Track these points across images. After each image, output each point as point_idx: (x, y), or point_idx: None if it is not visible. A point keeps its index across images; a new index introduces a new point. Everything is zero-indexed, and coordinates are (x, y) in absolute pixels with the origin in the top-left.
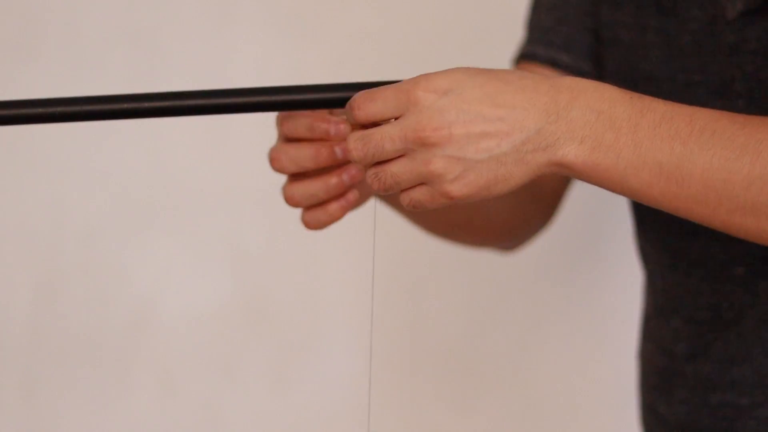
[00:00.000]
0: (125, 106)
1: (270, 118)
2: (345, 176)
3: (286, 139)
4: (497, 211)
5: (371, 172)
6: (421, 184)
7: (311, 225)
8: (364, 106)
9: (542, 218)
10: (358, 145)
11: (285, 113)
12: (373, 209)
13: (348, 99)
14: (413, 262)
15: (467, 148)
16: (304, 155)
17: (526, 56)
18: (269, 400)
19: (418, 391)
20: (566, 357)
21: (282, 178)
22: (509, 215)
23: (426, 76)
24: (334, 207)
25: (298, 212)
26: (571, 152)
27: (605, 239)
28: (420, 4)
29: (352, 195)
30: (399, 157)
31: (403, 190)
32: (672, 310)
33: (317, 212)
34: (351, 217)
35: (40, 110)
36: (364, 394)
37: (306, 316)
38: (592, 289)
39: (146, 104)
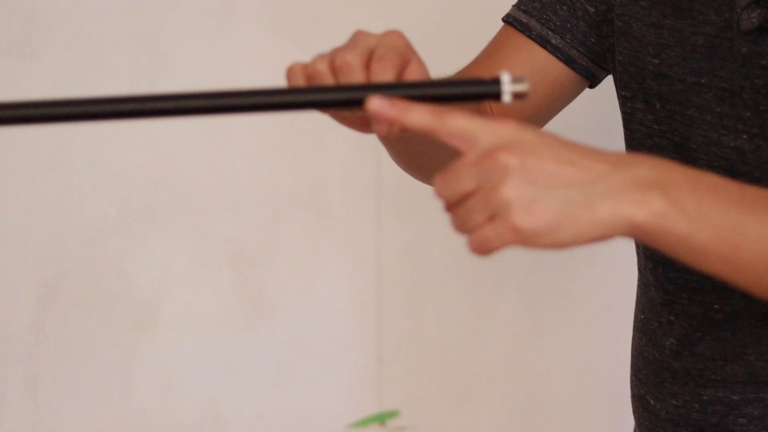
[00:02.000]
0: (127, 106)
1: (270, 120)
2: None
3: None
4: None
5: (452, 216)
6: (491, 219)
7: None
8: (449, 115)
9: None
10: (439, 180)
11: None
12: (376, 209)
13: (351, 100)
14: (413, 262)
15: (537, 179)
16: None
17: (518, 24)
18: (271, 398)
19: (419, 389)
20: (565, 353)
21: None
22: None
23: (505, 120)
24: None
25: (298, 212)
26: (637, 204)
27: None
28: (421, 5)
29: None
30: (477, 189)
31: (472, 232)
32: (664, 304)
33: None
34: (351, 217)
35: (41, 111)
36: (364, 392)
37: (307, 316)
38: (591, 287)
39: (148, 105)
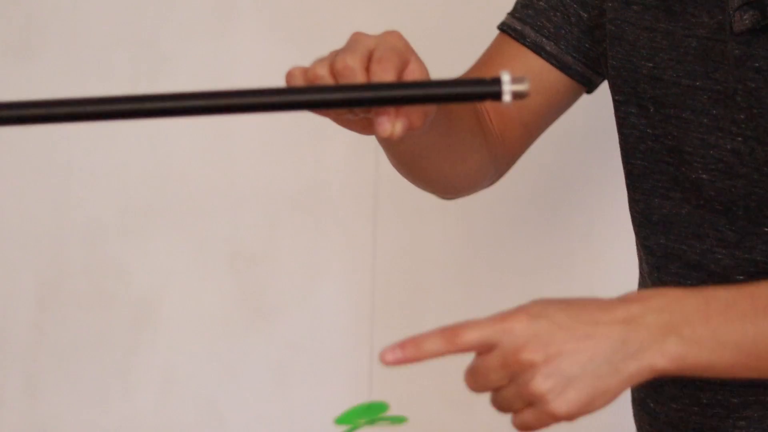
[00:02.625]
0: (127, 106)
1: (270, 120)
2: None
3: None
4: (467, 174)
5: (491, 397)
6: (529, 405)
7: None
8: (461, 334)
9: (493, 181)
10: (469, 379)
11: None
12: (373, 211)
13: (353, 100)
14: (413, 261)
15: (563, 365)
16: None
17: (512, 32)
18: (270, 398)
19: (418, 389)
20: None
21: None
22: (474, 179)
23: (515, 308)
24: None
25: (298, 212)
26: (657, 355)
27: (605, 239)
28: (420, 5)
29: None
30: (508, 381)
31: (514, 413)
32: None
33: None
34: (350, 218)
35: (41, 111)
36: (364, 392)
37: (306, 316)
38: (591, 288)
39: (148, 105)
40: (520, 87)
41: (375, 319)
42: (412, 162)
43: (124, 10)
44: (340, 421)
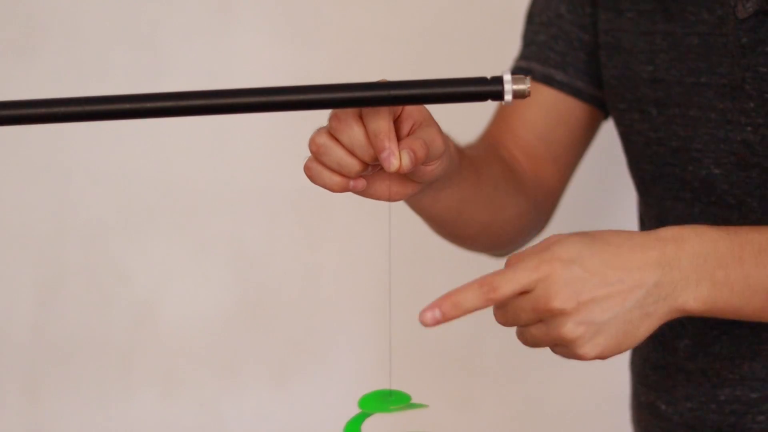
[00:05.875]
0: (126, 106)
1: (270, 120)
2: (352, 183)
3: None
4: (509, 223)
5: (517, 330)
6: (556, 345)
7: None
8: (499, 289)
9: (540, 228)
10: (498, 313)
11: (339, 113)
12: (375, 209)
13: (354, 100)
14: (413, 263)
15: (594, 312)
16: (349, 162)
17: (520, 72)
18: (270, 399)
19: (421, 390)
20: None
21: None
22: (518, 227)
23: (549, 250)
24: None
25: (298, 212)
26: (690, 297)
27: None
28: (421, 5)
29: (360, 184)
30: (539, 321)
31: (536, 346)
32: None
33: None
34: (352, 218)
35: (41, 110)
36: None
37: (307, 316)
38: None
39: (147, 104)
40: (522, 86)
41: (374, 321)
42: (451, 221)
43: (123, 10)
44: (364, 405)
